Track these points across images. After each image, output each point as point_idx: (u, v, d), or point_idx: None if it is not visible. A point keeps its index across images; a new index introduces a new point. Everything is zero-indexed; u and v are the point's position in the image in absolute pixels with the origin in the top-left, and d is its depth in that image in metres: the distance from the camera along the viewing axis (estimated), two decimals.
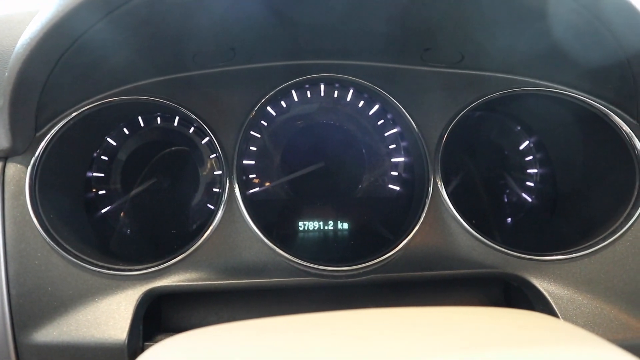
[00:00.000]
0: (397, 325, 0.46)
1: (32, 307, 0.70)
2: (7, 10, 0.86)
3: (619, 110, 0.81)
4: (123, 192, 0.95)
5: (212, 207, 0.94)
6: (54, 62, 0.64)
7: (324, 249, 0.93)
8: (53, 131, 0.75)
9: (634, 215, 0.76)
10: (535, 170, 1.03)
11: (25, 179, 0.72)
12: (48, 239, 0.71)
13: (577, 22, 0.65)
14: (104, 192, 0.94)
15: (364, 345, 0.41)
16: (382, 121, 0.99)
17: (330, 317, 0.48)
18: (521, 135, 1.04)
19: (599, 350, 0.41)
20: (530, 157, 1.03)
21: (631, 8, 0.62)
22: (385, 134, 0.99)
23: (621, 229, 0.76)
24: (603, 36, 0.67)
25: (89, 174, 0.92)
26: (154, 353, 0.46)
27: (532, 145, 1.03)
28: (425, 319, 0.48)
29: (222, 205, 0.80)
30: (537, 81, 0.86)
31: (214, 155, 0.95)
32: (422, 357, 0.38)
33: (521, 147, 1.04)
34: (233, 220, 0.80)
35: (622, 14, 0.62)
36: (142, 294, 0.72)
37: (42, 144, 0.74)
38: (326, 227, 0.97)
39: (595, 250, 0.77)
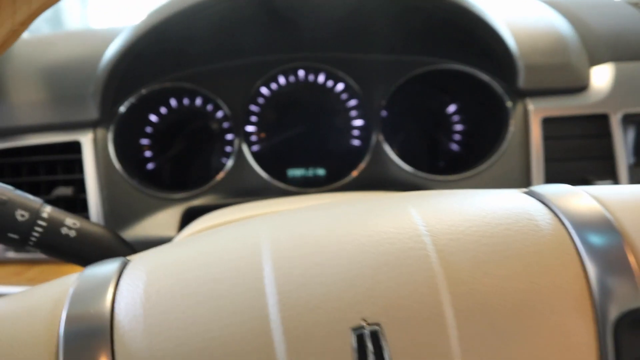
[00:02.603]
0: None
1: (118, 217, 1.12)
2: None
3: (497, 78, 1.19)
4: (162, 154, 1.35)
5: (226, 160, 1.33)
6: (124, 69, 1.06)
7: (305, 180, 1.34)
8: (121, 109, 1.16)
9: (501, 148, 1.14)
10: (461, 127, 1.41)
11: (108, 139, 1.13)
12: (126, 176, 1.12)
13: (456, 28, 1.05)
14: (150, 153, 1.34)
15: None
16: (346, 95, 1.37)
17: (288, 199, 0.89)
18: (449, 102, 1.42)
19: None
20: (457, 117, 1.41)
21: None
22: (348, 105, 1.38)
23: (495, 157, 1.15)
24: (471, 33, 1.05)
25: (140, 141, 1.33)
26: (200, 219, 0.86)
27: (457, 108, 1.41)
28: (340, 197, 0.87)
29: (234, 158, 1.21)
30: (448, 60, 1.24)
31: (227, 124, 1.35)
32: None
33: (450, 111, 1.42)
34: (242, 167, 1.22)
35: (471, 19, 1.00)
36: (184, 209, 1.14)
37: (116, 118, 1.15)
38: (307, 174, 1.37)
39: (481, 171, 1.15)
